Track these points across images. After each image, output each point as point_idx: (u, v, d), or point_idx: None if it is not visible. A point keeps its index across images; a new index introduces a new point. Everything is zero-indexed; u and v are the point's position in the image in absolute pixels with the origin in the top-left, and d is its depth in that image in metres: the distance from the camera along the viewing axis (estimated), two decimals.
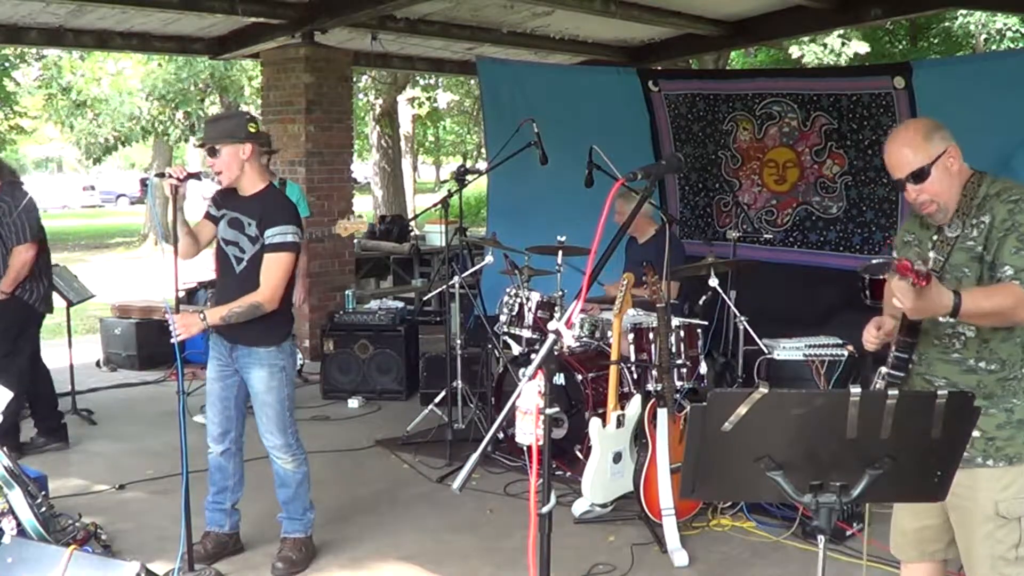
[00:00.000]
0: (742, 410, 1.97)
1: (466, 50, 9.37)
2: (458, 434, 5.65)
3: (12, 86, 18.77)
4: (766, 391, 1.96)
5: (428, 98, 20.90)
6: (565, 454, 5.15)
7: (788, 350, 5.30)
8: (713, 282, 5.30)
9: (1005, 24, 16.23)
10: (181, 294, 4.06)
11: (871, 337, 2.71)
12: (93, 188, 39.05)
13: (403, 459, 5.59)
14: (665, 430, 4.35)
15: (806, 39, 14.55)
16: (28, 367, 5.52)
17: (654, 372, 4.74)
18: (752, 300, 5.81)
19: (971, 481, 2.51)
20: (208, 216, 3.99)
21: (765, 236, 7.41)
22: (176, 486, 3.85)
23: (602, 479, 4.43)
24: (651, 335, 4.87)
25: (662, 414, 4.36)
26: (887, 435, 2.00)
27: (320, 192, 8.41)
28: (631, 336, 4.93)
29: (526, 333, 5.51)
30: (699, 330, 5.12)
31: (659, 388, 4.51)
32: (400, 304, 7.66)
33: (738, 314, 5.43)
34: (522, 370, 2.73)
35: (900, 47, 17.57)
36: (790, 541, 4.28)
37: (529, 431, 2.36)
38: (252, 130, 3.82)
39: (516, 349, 5.64)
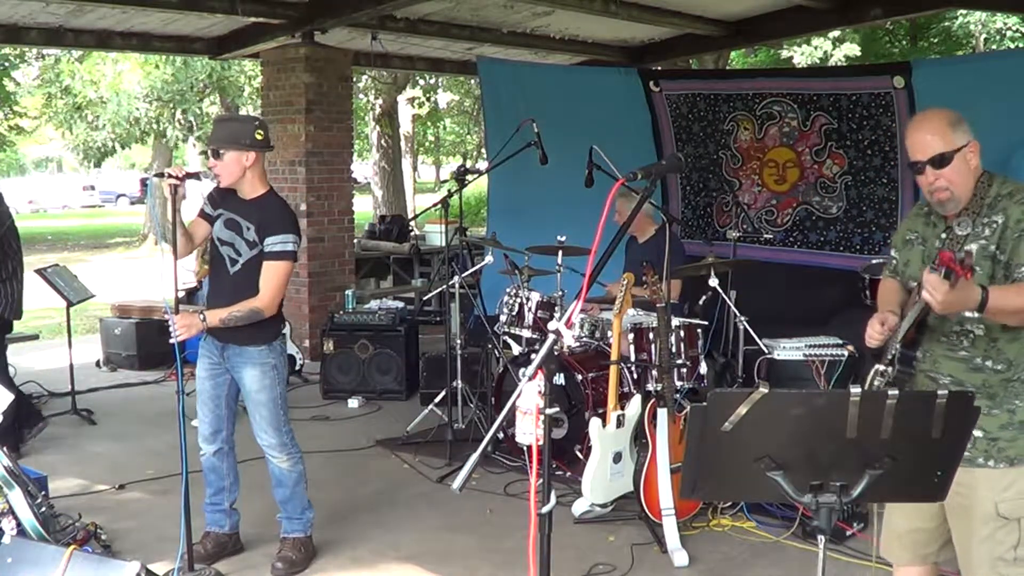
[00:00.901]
0: (742, 410, 1.97)
1: (466, 50, 9.36)
2: (458, 434, 5.65)
3: (12, 86, 18.77)
4: (766, 391, 1.95)
5: (428, 98, 20.90)
6: (565, 454, 5.15)
7: (788, 350, 5.30)
8: (713, 282, 5.30)
9: (1005, 24, 16.25)
10: (181, 294, 4.06)
11: (875, 332, 2.67)
12: (93, 188, 39.06)
13: (403, 459, 5.58)
14: (665, 430, 4.35)
15: (797, 41, 14.58)
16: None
17: (654, 372, 4.74)
18: (752, 300, 5.81)
19: (971, 481, 2.51)
20: (203, 214, 4.00)
21: (765, 236, 7.42)
22: (176, 486, 3.85)
23: (602, 479, 4.43)
24: (651, 335, 4.87)
25: (662, 414, 4.36)
26: (887, 435, 2.00)
27: (320, 192, 8.41)
28: (631, 336, 4.93)
29: (526, 333, 5.51)
30: (699, 330, 5.11)
31: (659, 388, 4.51)
32: (400, 304, 7.66)
33: (738, 314, 5.43)
34: (522, 370, 2.73)
35: (900, 47, 17.58)
36: (790, 541, 4.28)
37: (529, 431, 2.36)
38: (259, 137, 3.85)
39: (516, 349, 5.64)
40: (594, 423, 4.44)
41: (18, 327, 5.91)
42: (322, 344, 7.15)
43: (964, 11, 14.79)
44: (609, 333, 5.06)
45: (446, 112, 26.42)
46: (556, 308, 5.45)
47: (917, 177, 2.63)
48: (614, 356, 4.61)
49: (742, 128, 7.61)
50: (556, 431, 5.16)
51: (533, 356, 2.72)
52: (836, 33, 14.78)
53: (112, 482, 5.10)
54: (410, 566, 4.14)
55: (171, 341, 3.69)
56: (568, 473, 5.05)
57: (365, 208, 19.34)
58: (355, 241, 9.36)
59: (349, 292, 7.68)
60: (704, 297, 5.56)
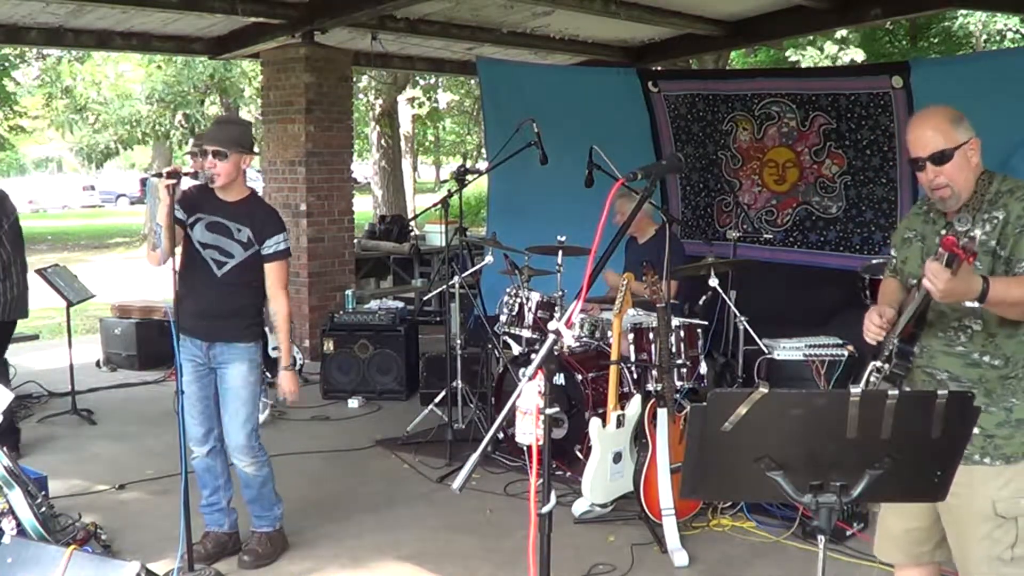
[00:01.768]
0: (742, 410, 1.97)
1: (466, 50, 9.37)
2: (458, 434, 5.66)
3: (12, 86, 18.76)
4: (766, 391, 1.95)
5: (428, 98, 20.89)
6: (565, 454, 5.15)
7: (788, 350, 5.30)
8: (713, 282, 5.30)
9: (1005, 24, 16.24)
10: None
11: (873, 325, 2.65)
12: (93, 188, 39.04)
13: (403, 459, 5.59)
14: (665, 430, 4.35)
15: (803, 45, 14.56)
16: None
17: (654, 372, 4.74)
18: (752, 300, 5.81)
19: (968, 479, 2.50)
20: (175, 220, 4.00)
21: (765, 236, 7.42)
22: (176, 486, 3.84)
23: (602, 479, 4.43)
24: (651, 335, 4.87)
25: (662, 414, 4.36)
26: (887, 435, 2.00)
27: (320, 192, 8.41)
28: (631, 336, 4.93)
29: (526, 333, 5.51)
30: (699, 330, 5.11)
31: (659, 388, 4.51)
32: (400, 304, 7.66)
33: (738, 314, 5.43)
34: (522, 370, 2.73)
35: (900, 47, 17.57)
36: (790, 541, 4.28)
37: (529, 431, 2.37)
38: (253, 140, 4.02)
39: (516, 349, 5.64)
40: (594, 423, 4.45)
41: (18, 327, 5.89)
42: (322, 344, 7.16)
43: (964, 11, 14.78)
44: (609, 333, 5.06)
45: (446, 112, 26.39)
46: (556, 308, 5.46)
47: (918, 174, 2.62)
48: (614, 356, 4.62)
49: (741, 128, 7.61)
50: (556, 431, 5.16)
51: (533, 356, 2.72)
52: (842, 34, 14.73)
53: (112, 482, 5.10)
54: (410, 566, 4.14)
55: (288, 405, 3.85)
56: (568, 473, 5.05)
57: (365, 208, 19.33)
58: (355, 241, 9.36)
59: (349, 292, 7.68)
60: (704, 297, 5.56)
